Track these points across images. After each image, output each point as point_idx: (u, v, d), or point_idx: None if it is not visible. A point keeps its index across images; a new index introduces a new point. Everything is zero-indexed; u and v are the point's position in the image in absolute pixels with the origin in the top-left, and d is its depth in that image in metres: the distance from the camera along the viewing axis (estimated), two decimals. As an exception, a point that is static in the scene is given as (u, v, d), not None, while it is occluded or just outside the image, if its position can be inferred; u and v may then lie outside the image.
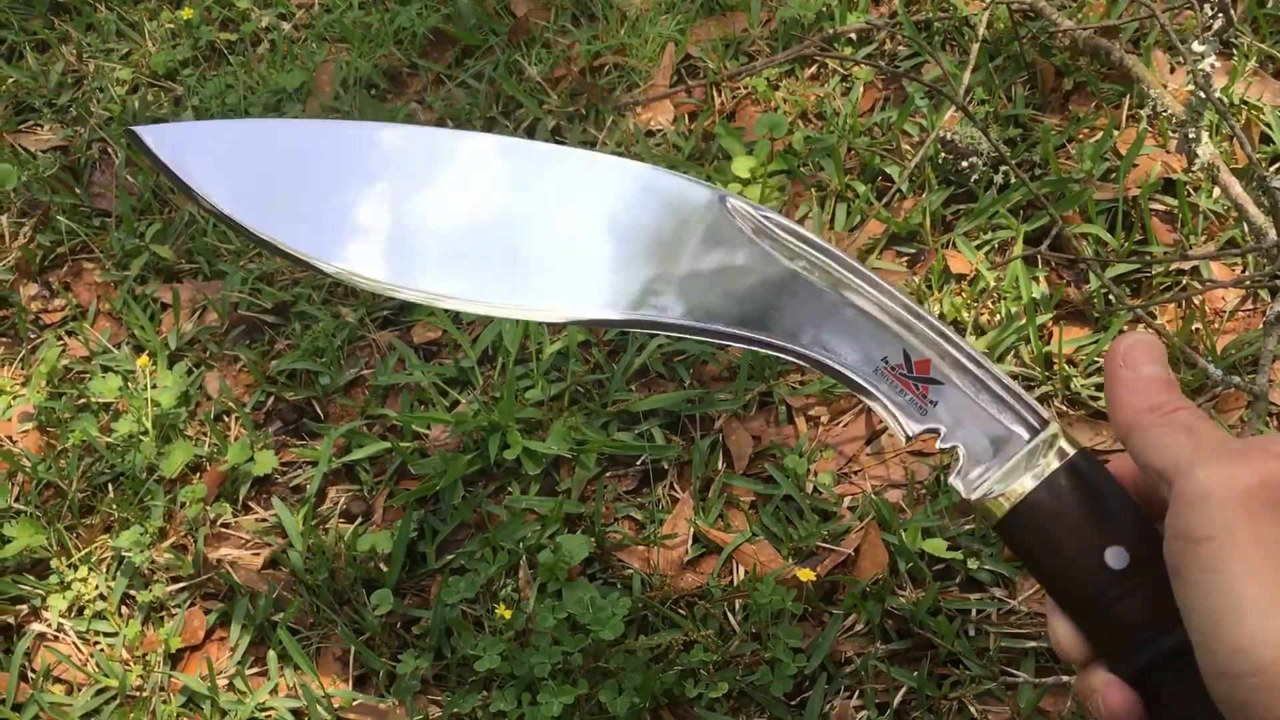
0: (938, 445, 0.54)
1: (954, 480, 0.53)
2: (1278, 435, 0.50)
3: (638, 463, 1.12)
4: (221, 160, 0.59)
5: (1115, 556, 0.49)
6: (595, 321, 0.57)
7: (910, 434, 0.54)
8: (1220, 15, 0.88)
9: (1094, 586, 0.49)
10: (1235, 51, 1.27)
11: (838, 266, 0.55)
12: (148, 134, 0.59)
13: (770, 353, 0.56)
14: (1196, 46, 0.88)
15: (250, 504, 1.18)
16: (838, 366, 0.55)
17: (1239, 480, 0.43)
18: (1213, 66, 0.92)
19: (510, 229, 0.58)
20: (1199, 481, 0.43)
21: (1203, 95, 0.92)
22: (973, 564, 1.00)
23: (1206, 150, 1.01)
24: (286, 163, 0.60)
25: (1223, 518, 0.42)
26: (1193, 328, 1.09)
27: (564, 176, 0.59)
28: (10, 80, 1.63)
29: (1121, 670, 0.49)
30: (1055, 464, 0.51)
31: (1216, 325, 1.11)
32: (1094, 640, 0.50)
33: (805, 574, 1.00)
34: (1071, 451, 0.51)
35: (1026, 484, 0.51)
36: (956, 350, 0.54)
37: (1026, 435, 0.52)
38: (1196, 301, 1.10)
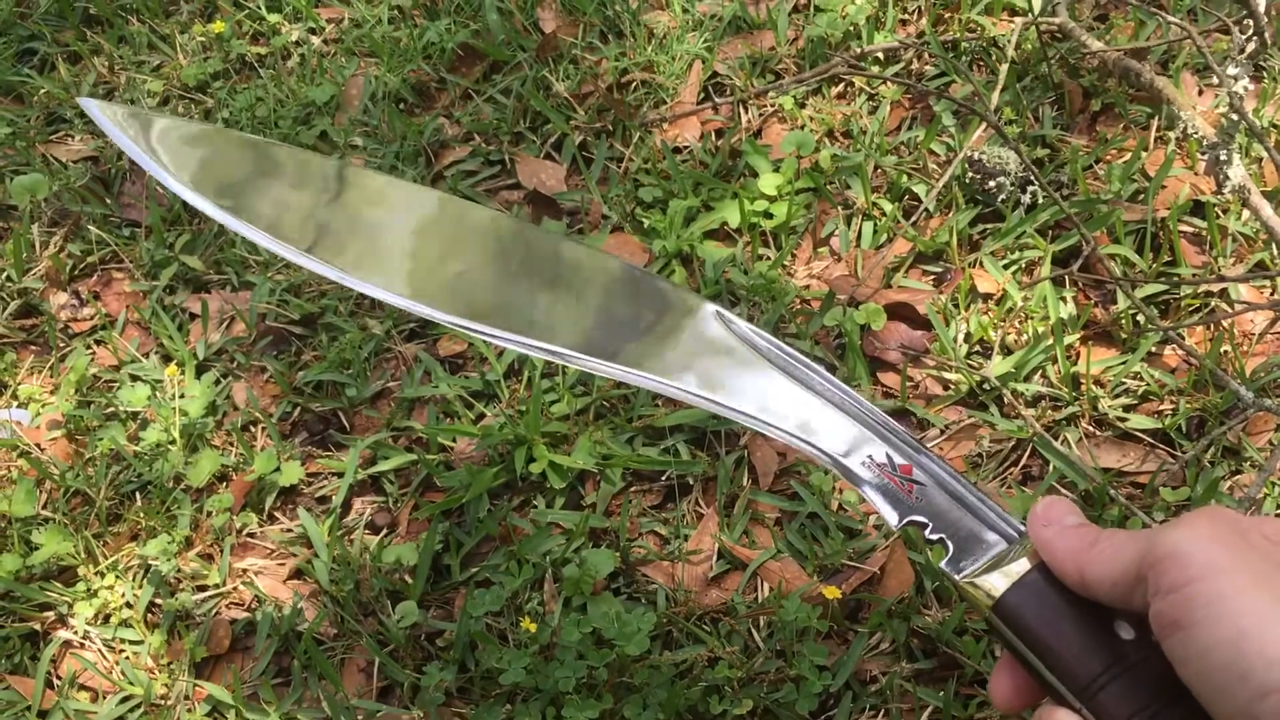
0: (926, 535, 0.55)
1: (945, 566, 0.54)
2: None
3: (663, 478, 1.12)
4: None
5: (1124, 628, 0.48)
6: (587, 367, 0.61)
7: (899, 520, 0.56)
8: (1255, 38, 0.88)
9: (1104, 660, 0.49)
10: (1265, 74, 1.27)
11: (821, 380, 0.59)
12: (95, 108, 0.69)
13: (766, 432, 0.58)
14: (1230, 69, 0.88)
15: (276, 514, 1.18)
16: (826, 454, 0.57)
17: (1199, 527, 0.44)
18: (1246, 89, 0.92)
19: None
20: (1165, 546, 0.45)
21: (1235, 117, 0.92)
22: (999, 584, 0.99)
23: (1238, 172, 1.01)
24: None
25: (1202, 558, 0.43)
26: (1222, 350, 1.09)
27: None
28: (42, 91, 1.64)
29: None
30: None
31: (1246, 348, 1.11)
32: None
33: (831, 591, 0.99)
34: None
35: (1017, 569, 0.51)
36: (937, 465, 0.56)
37: (1006, 540, 0.53)
38: (1226, 324, 1.10)
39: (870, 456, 0.56)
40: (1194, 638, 0.43)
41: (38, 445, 1.25)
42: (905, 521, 0.55)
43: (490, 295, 0.63)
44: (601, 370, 0.60)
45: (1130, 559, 0.46)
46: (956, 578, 0.53)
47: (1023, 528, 0.53)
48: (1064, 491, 1.05)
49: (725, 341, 0.61)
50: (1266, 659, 0.41)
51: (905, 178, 1.29)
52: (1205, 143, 1.11)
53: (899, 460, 0.56)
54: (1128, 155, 1.25)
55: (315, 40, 1.64)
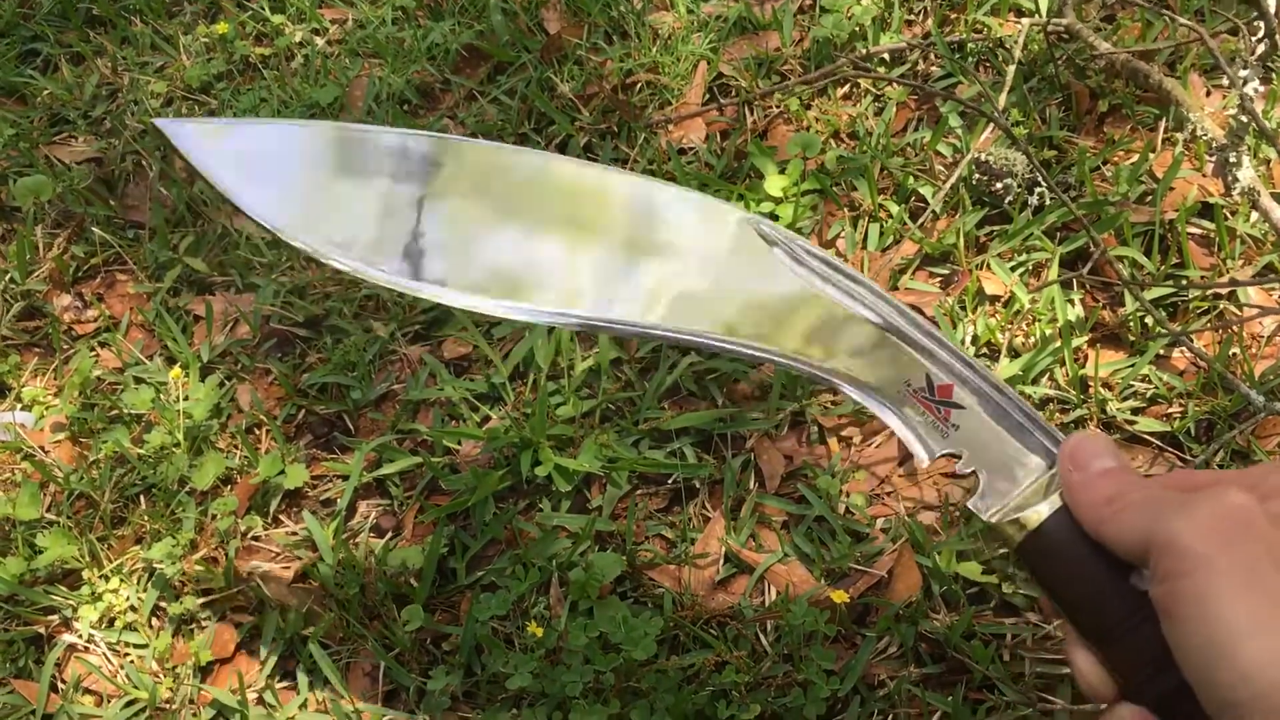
0: (957, 469, 0.54)
1: (974, 503, 0.54)
2: (1230, 471, 0.50)
3: (669, 481, 1.12)
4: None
5: (1141, 578, 0.49)
6: (613, 328, 0.57)
7: (930, 456, 0.55)
8: (1266, 40, 0.87)
9: (1119, 610, 0.49)
10: (1275, 76, 1.27)
11: (863, 291, 0.56)
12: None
13: (795, 370, 0.57)
14: (1241, 71, 0.88)
15: (281, 517, 1.18)
16: (860, 388, 0.56)
17: (1200, 518, 0.44)
18: (1256, 90, 0.92)
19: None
20: (1166, 532, 0.45)
21: (1245, 118, 0.91)
22: (1007, 588, 0.99)
23: (1247, 174, 1.01)
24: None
25: (1198, 552, 0.43)
26: (1231, 353, 1.08)
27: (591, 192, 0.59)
28: (46, 92, 1.64)
29: (1148, 699, 0.49)
30: None
31: (1255, 350, 1.10)
32: (1118, 670, 0.50)
33: (838, 595, 0.99)
34: None
35: (1045, 509, 0.51)
36: (978, 376, 0.54)
37: (1047, 461, 0.53)
38: (1235, 326, 1.09)
39: (908, 382, 0.55)
40: (1179, 631, 0.44)
41: (42, 448, 1.25)
42: (937, 457, 0.55)
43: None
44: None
45: (1140, 533, 0.46)
46: (984, 518, 0.53)
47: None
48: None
49: (771, 259, 0.57)
50: (1238, 672, 0.41)
51: (912, 179, 1.29)
52: (1214, 144, 1.11)
53: (940, 381, 0.55)
54: (1135, 157, 1.25)
55: (319, 41, 1.64)
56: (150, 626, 1.11)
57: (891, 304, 0.56)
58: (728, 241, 0.58)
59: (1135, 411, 1.09)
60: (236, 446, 1.22)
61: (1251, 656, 0.41)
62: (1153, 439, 1.07)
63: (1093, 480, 0.49)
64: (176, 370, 1.26)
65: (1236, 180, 1.02)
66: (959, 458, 0.54)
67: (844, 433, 1.13)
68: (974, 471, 0.54)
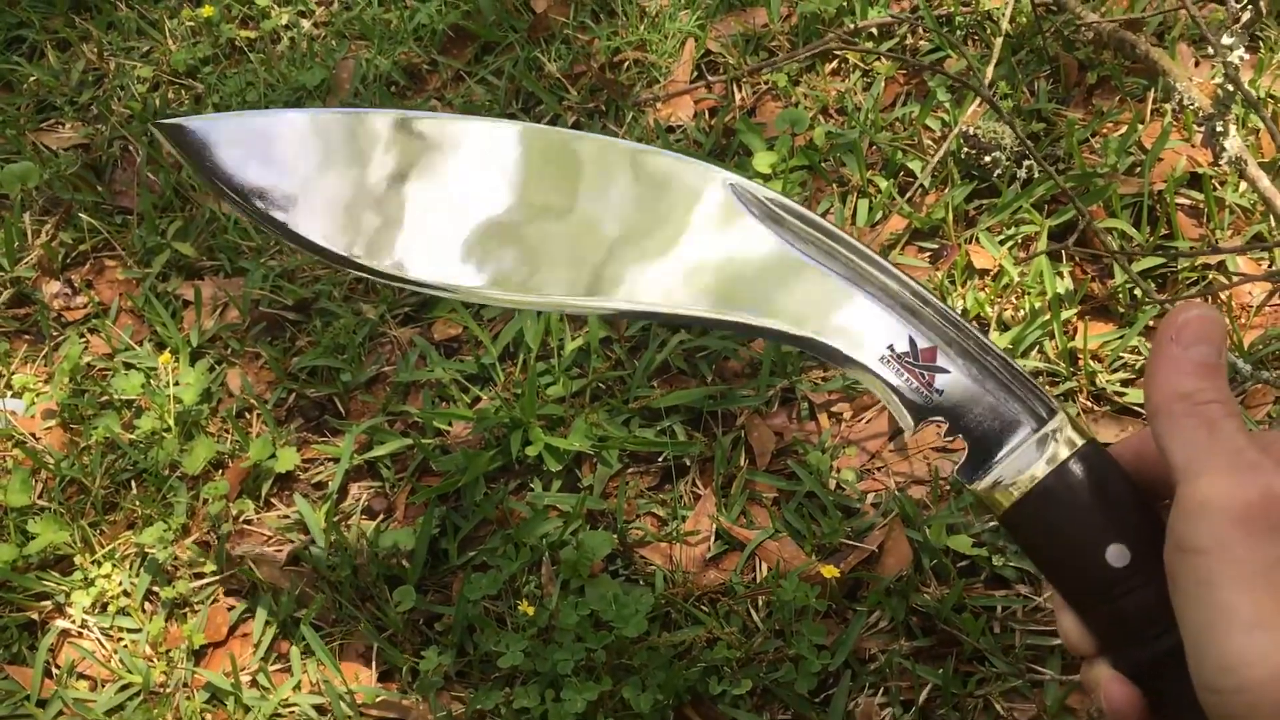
0: (943, 435, 0.53)
1: (959, 471, 0.52)
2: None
3: (660, 459, 1.12)
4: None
5: (1117, 555, 0.48)
6: (589, 309, 0.55)
7: (914, 423, 0.53)
8: (1249, 8, 0.87)
9: (1096, 583, 0.49)
10: (1262, 45, 1.26)
11: (845, 251, 0.54)
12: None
13: (773, 339, 0.55)
14: (1226, 39, 0.87)
15: (273, 501, 1.18)
16: (843, 352, 0.53)
17: (1239, 495, 0.42)
18: (1241, 59, 0.91)
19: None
20: (1201, 490, 0.43)
21: (1231, 88, 0.91)
22: (997, 560, 0.99)
23: (1234, 144, 1.00)
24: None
25: (1219, 531, 0.42)
26: (1220, 323, 1.08)
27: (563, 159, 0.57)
28: (32, 79, 1.63)
29: (1124, 665, 0.49)
30: (1063, 454, 0.50)
31: (1244, 320, 1.10)
32: (1098, 634, 0.50)
33: (829, 570, 0.99)
34: (1080, 443, 0.50)
35: (1032, 476, 0.50)
36: (964, 337, 0.53)
37: (1033, 425, 0.51)
38: (1223, 296, 1.09)
39: (891, 347, 0.53)
40: (1180, 599, 0.43)
41: (33, 435, 1.25)
42: (921, 424, 0.53)
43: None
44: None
45: (1178, 462, 0.44)
46: (969, 486, 0.52)
47: (1054, 405, 0.51)
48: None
49: (741, 219, 0.55)
50: (1227, 660, 0.41)
51: (900, 154, 1.29)
52: (1201, 114, 1.10)
53: (922, 344, 0.53)
54: (1124, 128, 1.24)
55: (305, 24, 1.63)
56: (143, 611, 1.11)
57: (872, 261, 0.54)
58: (700, 204, 0.55)
59: (1125, 383, 1.09)
60: (227, 431, 1.22)
61: (1241, 649, 0.40)
62: (1143, 410, 1.07)
63: (1183, 361, 0.45)
64: (166, 355, 1.26)
65: (1224, 150, 1.02)
66: (944, 423, 0.53)
67: (834, 409, 1.13)
68: (960, 436, 0.52)
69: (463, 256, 0.56)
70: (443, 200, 0.57)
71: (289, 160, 0.57)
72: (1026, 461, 0.51)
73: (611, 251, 0.55)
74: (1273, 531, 0.41)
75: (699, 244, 0.55)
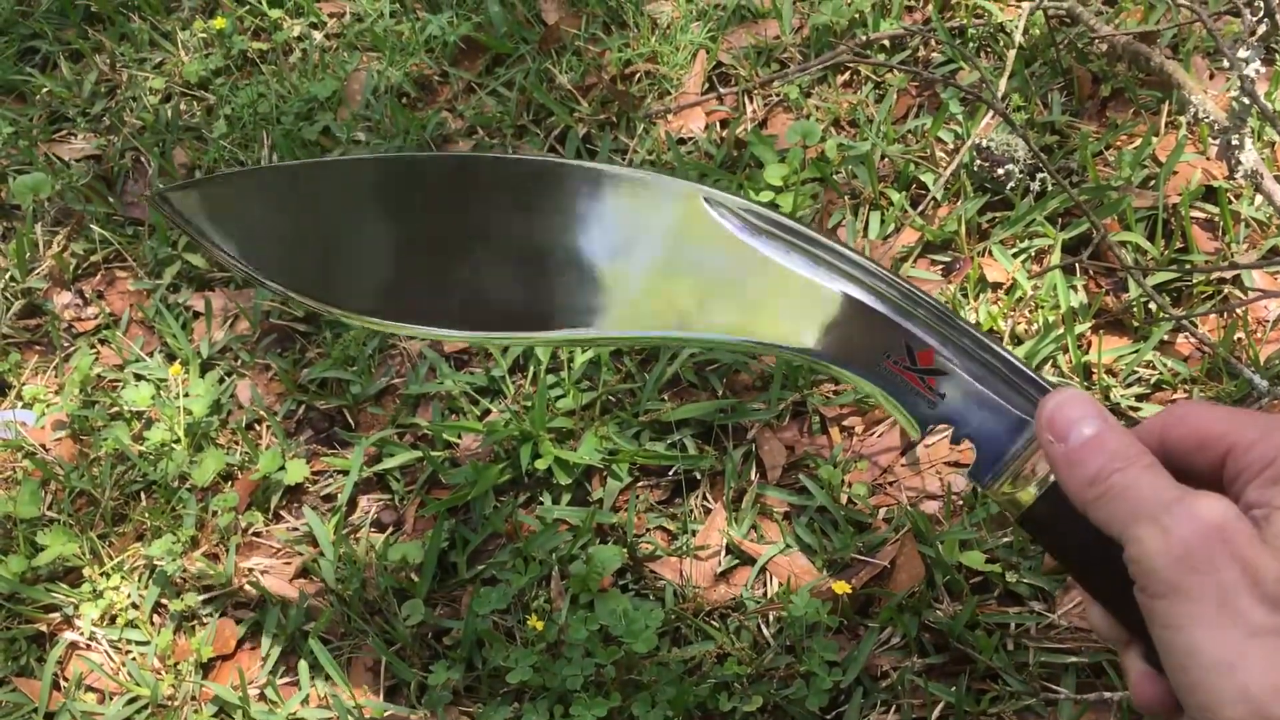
0: (951, 440, 0.52)
1: (971, 474, 0.51)
2: (1241, 411, 0.47)
3: (670, 473, 1.11)
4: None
5: None
6: (580, 340, 0.55)
7: (921, 432, 0.52)
8: (1266, 20, 0.86)
9: (1118, 580, 0.48)
10: (1278, 57, 1.25)
11: (830, 257, 0.52)
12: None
13: (769, 353, 0.54)
14: (1242, 53, 0.87)
15: (281, 513, 1.18)
16: (839, 368, 0.52)
17: (1177, 536, 0.41)
18: (1257, 72, 0.90)
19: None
20: (1138, 544, 0.42)
21: (1247, 101, 0.90)
22: (1011, 577, 0.98)
23: (1250, 157, 1.00)
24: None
25: (1170, 578, 0.41)
26: (1236, 338, 1.07)
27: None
28: (44, 89, 1.64)
29: (1155, 661, 0.48)
30: None
31: (1260, 335, 1.09)
32: (1127, 624, 0.49)
33: (840, 586, 0.98)
34: None
35: (1038, 485, 0.49)
36: (960, 336, 0.51)
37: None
38: (1239, 311, 1.08)
39: (888, 354, 0.52)
40: (1156, 644, 0.43)
41: (42, 446, 1.25)
42: (929, 430, 0.52)
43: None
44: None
45: (1119, 528, 0.44)
46: (983, 489, 0.51)
47: None
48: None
49: (722, 234, 0.53)
50: (1205, 701, 0.40)
51: (912, 166, 1.28)
52: (1217, 127, 1.10)
53: (918, 348, 0.52)
54: (1138, 141, 1.24)
55: (317, 35, 1.63)
56: (152, 623, 1.11)
57: (859, 264, 0.52)
58: (674, 222, 0.54)
59: (1139, 398, 1.08)
60: (237, 442, 1.22)
61: (1216, 689, 0.40)
62: (1157, 425, 1.06)
63: (1074, 454, 0.45)
64: (176, 367, 1.26)
65: (1240, 163, 1.01)
66: (951, 428, 0.51)
67: (846, 422, 1.13)
68: (967, 440, 0.51)
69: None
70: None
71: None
72: (1039, 459, 0.49)
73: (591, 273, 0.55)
74: (1217, 556, 0.41)
75: (676, 263, 0.54)
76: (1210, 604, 0.40)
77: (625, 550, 1.05)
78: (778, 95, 1.40)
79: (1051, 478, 0.49)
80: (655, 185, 0.55)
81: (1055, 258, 1.17)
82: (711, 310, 0.53)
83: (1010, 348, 1.11)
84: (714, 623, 1.02)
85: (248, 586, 1.11)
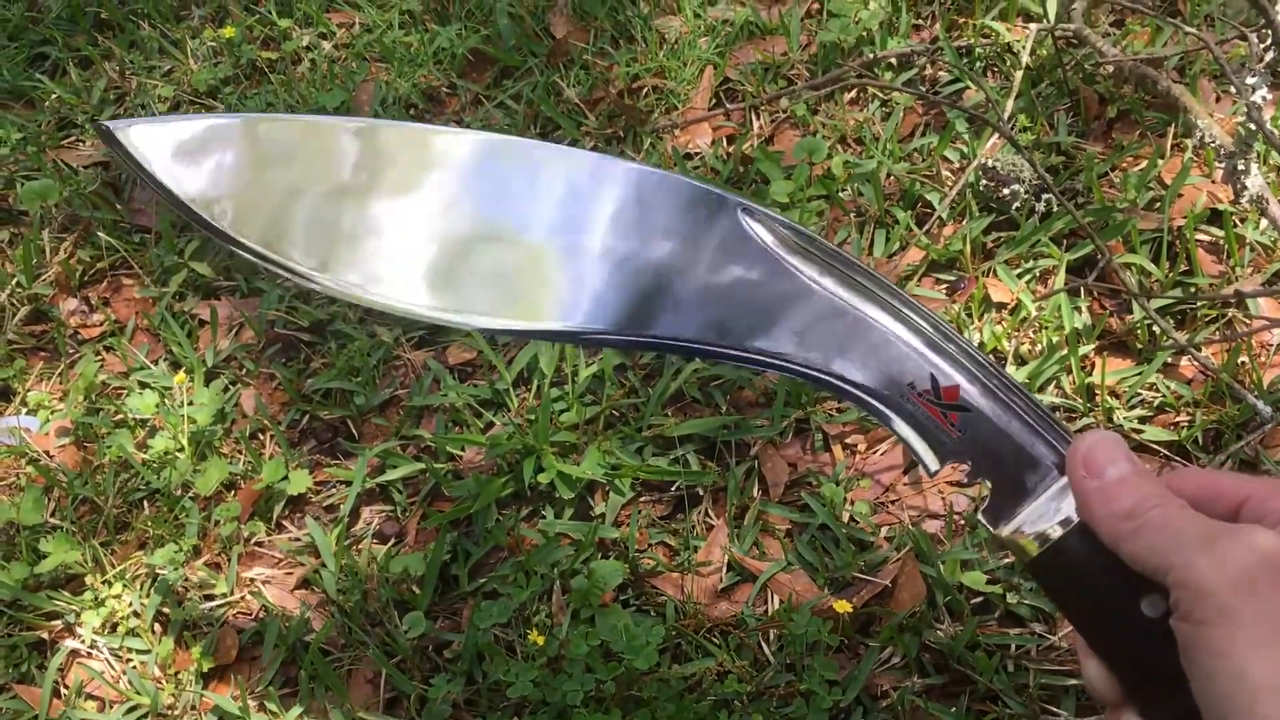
0: (965, 478, 0.51)
1: (983, 514, 0.50)
2: (1256, 480, 0.47)
3: (672, 488, 1.11)
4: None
5: (1152, 604, 0.46)
6: (594, 339, 0.53)
7: (935, 466, 0.51)
8: (1274, 47, 0.87)
9: (1128, 632, 0.48)
10: (1283, 81, 1.26)
11: (866, 283, 0.52)
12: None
13: (790, 374, 0.53)
14: (1249, 79, 0.87)
15: (284, 523, 1.18)
16: (860, 391, 0.52)
17: (1231, 563, 0.42)
18: (1264, 99, 0.91)
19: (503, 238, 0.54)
20: (1189, 571, 0.42)
21: (1253, 127, 0.90)
22: (1012, 598, 0.98)
23: (1256, 182, 1.00)
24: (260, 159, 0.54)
25: (1222, 603, 0.41)
26: (1239, 362, 1.07)
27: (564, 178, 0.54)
28: (54, 96, 1.64)
29: (1154, 717, 0.48)
30: None
31: (1264, 359, 1.09)
32: (1126, 684, 0.49)
33: (841, 605, 0.98)
34: None
35: (1065, 520, 0.49)
36: (986, 375, 0.51)
37: (1061, 469, 0.49)
38: (1243, 335, 1.08)
39: (912, 385, 0.51)
40: (1198, 673, 0.42)
41: (46, 452, 1.25)
42: (945, 466, 0.51)
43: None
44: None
45: (1160, 559, 0.44)
46: (993, 532, 0.50)
47: None
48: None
49: (755, 250, 0.52)
50: None
51: (918, 185, 1.28)
52: (1223, 151, 1.10)
53: (944, 383, 0.51)
54: (1144, 163, 1.24)
55: (326, 45, 1.64)
56: (153, 632, 1.11)
57: (894, 293, 0.52)
58: (713, 233, 0.53)
59: (1143, 420, 1.08)
60: (240, 452, 1.22)
61: (1267, 714, 0.40)
62: (1160, 448, 1.06)
63: (1110, 490, 0.46)
64: (181, 375, 1.26)
65: (1245, 187, 1.01)
66: (967, 466, 0.50)
67: (849, 440, 1.13)
68: (983, 480, 0.50)
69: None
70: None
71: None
72: (1055, 506, 0.49)
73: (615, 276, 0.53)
74: (1273, 582, 0.41)
75: (709, 273, 0.53)
76: (1266, 628, 0.40)
77: (627, 565, 1.05)
78: (785, 112, 1.40)
79: (1074, 519, 0.48)
80: (698, 195, 0.53)
81: (1060, 279, 1.17)
82: (743, 326, 0.53)
83: (1014, 368, 1.11)
84: (715, 639, 1.02)
85: (249, 596, 1.11)
